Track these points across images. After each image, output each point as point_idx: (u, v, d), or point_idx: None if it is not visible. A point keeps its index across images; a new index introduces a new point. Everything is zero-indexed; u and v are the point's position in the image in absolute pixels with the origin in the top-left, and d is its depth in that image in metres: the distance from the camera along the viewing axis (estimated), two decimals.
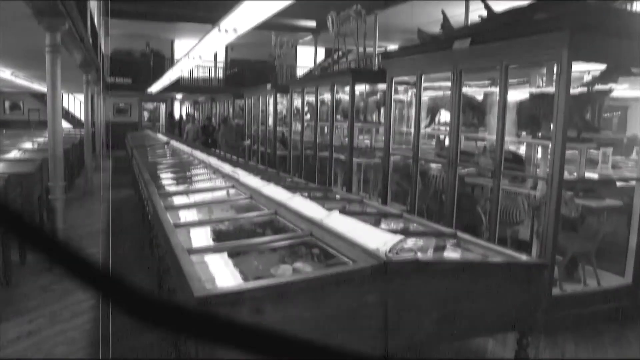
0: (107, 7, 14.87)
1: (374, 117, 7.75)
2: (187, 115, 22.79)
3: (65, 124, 20.53)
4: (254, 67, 21.04)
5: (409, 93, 6.80)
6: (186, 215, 3.65)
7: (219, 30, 6.08)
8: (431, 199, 5.75)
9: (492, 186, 4.45)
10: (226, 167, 5.28)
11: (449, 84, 4.88)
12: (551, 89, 4.08)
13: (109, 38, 20.17)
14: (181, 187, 5.08)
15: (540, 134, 4.38)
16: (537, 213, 4.34)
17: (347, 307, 2.18)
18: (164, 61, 22.21)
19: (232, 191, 4.32)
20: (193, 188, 5.02)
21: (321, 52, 21.24)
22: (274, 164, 9.85)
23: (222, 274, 2.54)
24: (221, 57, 23.17)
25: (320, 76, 11.22)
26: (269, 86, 11.21)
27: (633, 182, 4.41)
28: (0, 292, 4.50)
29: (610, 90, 4.30)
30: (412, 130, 5.63)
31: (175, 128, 19.51)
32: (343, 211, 3.28)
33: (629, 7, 5.04)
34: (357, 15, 8.25)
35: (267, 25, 7.92)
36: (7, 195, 4.60)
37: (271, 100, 11.07)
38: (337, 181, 7.88)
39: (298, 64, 23.23)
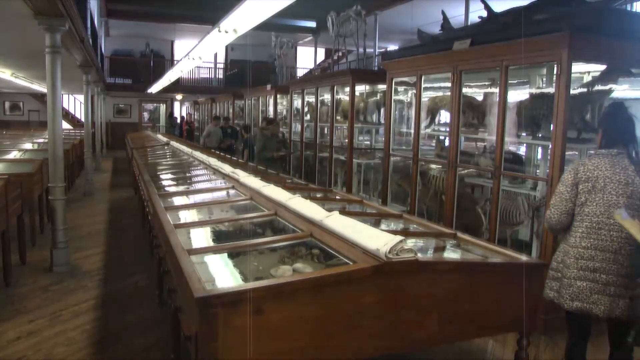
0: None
1: (374, 117, 7.75)
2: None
3: (65, 125, 20.54)
4: (253, 68, 21.03)
5: (409, 93, 6.79)
6: (186, 216, 3.65)
7: (219, 30, 6.07)
8: (431, 199, 5.74)
9: (492, 187, 4.45)
10: (226, 168, 5.28)
11: (449, 84, 4.88)
12: (551, 90, 4.08)
13: (109, 38, 20.24)
14: (181, 188, 5.08)
15: (540, 135, 4.38)
16: (537, 213, 4.33)
17: (347, 307, 2.17)
18: (164, 61, 22.25)
19: (232, 192, 4.32)
20: (193, 189, 5.02)
21: (321, 53, 21.28)
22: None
23: (222, 274, 2.54)
24: (221, 58, 23.21)
25: (320, 76, 11.22)
26: (269, 87, 11.21)
27: None
28: (0, 292, 4.51)
29: (610, 91, 4.29)
30: (412, 130, 5.64)
31: (175, 129, 19.45)
32: (343, 212, 3.27)
33: (629, 7, 5.04)
34: (357, 15, 8.25)
35: (267, 26, 7.93)
36: (7, 196, 4.60)
37: (271, 101, 11.08)
38: (337, 182, 7.88)
39: (298, 64, 23.27)
